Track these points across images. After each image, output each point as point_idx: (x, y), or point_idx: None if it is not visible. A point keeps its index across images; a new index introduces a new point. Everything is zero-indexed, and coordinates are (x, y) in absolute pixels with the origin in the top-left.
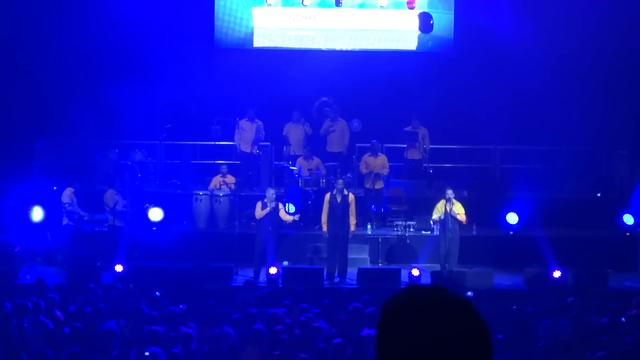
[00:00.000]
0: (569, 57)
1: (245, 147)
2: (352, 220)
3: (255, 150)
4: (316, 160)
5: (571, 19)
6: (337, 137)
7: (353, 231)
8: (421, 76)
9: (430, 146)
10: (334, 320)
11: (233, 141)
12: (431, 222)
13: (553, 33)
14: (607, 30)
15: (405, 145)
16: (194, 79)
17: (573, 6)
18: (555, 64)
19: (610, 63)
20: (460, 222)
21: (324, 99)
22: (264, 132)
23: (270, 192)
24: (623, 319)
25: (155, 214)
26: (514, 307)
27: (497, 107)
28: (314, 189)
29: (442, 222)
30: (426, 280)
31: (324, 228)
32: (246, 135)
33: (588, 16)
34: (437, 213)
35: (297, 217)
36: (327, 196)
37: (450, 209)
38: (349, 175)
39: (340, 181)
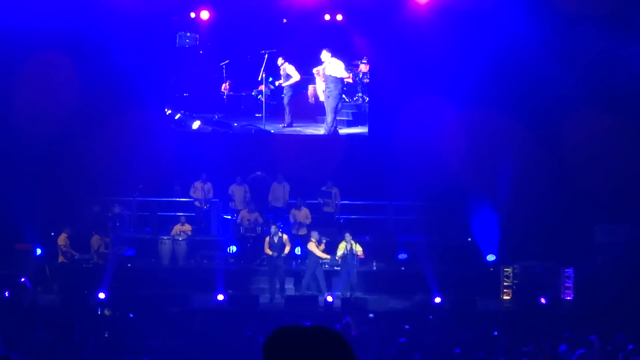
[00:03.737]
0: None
1: (199, 203)
2: (286, 250)
3: (205, 206)
4: (255, 214)
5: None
6: (281, 195)
7: (287, 252)
8: (337, 154)
9: (341, 202)
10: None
11: (190, 198)
12: (337, 258)
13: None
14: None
15: (321, 201)
16: (162, 153)
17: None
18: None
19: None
20: (359, 258)
21: (258, 173)
22: (212, 191)
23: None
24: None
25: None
26: (406, 326)
27: (394, 173)
28: (252, 235)
29: (344, 259)
30: (338, 304)
31: (269, 252)
32: (200, 193)
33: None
34: (340, 251)
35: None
36: (267, 238)
37: (351, 248)
38: (279, 223)
39: (273, 227)
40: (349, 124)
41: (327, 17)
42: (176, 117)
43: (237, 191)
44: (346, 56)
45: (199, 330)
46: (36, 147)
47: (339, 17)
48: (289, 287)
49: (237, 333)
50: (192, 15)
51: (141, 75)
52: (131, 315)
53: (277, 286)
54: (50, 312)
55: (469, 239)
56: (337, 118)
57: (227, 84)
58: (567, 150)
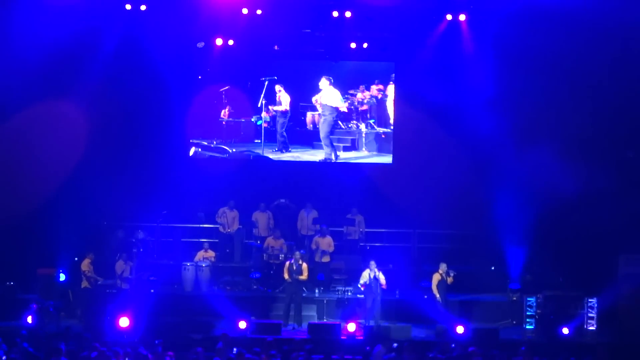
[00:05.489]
0: (470, 170)
1: (223, 229)
2: (303, 276)
3: (228, 230)
4: (280, 241)
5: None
6: (308, 224)
7: (304, 279)
8: (361, 182)
9: (366, 230)
10: None
11: (215, 224)
12: (359, 286)
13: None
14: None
15: (346, 229)
16: (185, 180)
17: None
18: (460, 172)
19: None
20: (381, 287)
21: (282, 200)
22: (237, 220)
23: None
24: None
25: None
26: (431, 354)
27: (417, 200)
28: (276, 262)
29: (367, 287)
30: (361, 332)
31: (287, 278)
32: (227, 220)
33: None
34: (363, 279)
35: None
36: (287, 264)
37: (375, 276)
38: (302, 251)
39: (297, 253)
40: (345, 149)
41: (352, 45)
42: (190, 154)
43: (261, 218)
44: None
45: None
46: (60, 171)
47: (365, 45)
48: (311, 315)
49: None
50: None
51: (164, 99)
52: (157, 341)
53: (292, 313)
54: (73, 338)
55: (492, 268)
56: (335, 144)
57: (227, 110)
58: (592, 179)
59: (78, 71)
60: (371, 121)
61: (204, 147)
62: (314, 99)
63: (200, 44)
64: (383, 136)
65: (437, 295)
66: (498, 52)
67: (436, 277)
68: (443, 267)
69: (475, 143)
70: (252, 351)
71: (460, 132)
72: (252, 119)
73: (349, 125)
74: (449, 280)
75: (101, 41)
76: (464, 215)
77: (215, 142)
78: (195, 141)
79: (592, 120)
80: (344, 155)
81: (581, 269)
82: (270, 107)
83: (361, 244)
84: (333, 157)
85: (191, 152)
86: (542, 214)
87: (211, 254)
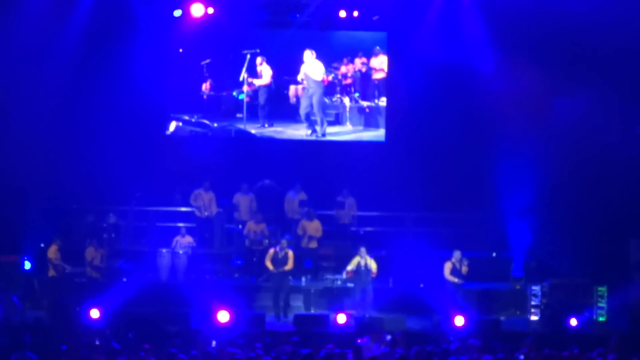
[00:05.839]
0: (469, 146)
1: (199, 212)
2: (288, 266)
3: (205, 214)
4: (262, 225)
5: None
6: (295, 207)
7: (289, 269)
8: (353, 161)
9: (357, 213)
10: (273, 356)
11: (192, 207)
12: (344, 273)
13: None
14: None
15: (336, 212)
16: (161, 159)
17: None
18: (459, 150)
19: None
20: (372, 276)
21: (267, 181)
22: (214, 202)
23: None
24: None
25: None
26: (427, 347)
27: (411, 181)
28: (259, 248)
29: (357, 275)
30: (351, 324)
31: (270, 267)
32: (203, 203)
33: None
34: (351, 266)
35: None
36: (270, 252)
37: (365, 264)
38: (288, 236)
39: (284, 241)
40: (329, 123)
41: (342, 13)
42: (171, 129)
43: (243, 200)
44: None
45: (200, 351)
46: (25, 150)
47: (355, 14)
48: (298, 305)
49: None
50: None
51: (141, 72)
52: (130, 334)
53: (282, 304)
54: (39, 330)
55: (494, 254)
56: (319, 119)
57: (208, 83)
58: (601, 160)
59: (47, 44)
60: (355, 95)
61: (185, 122)
62: (299, 77)
63: (178, 12)
64: (367, 110)
65: (456, 280)
66: (498, 18)
67: (448, 266)
68: (457, 254)
69: (476, 118)
70: (234, 344)
71: (459, 106)
72: (234, 93)
73: (333, 100)
74: (464, 269)
75: (73, 12)
76: (463, 196)
77: (196, 117)
78: (176, 115)
79: (602, 92)
80: (328, 130)
81: (590, 254)
82: (252, 81)
83: (352, 228)
84: (319, 132)
85: (172, 128)
86: (547, 195)
87: (189, 239)
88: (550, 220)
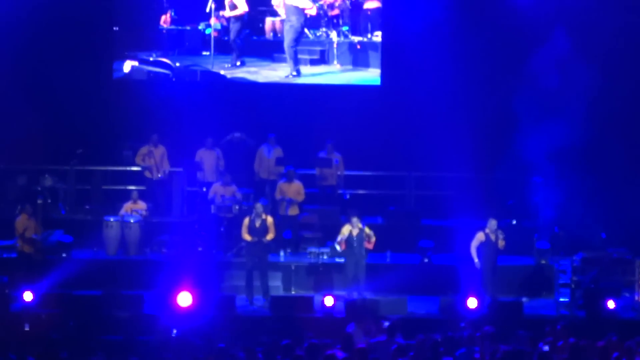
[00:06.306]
0: (486, 90)
1: (150, 173)
2: (270, 235)
3: (158, 175)
4: (232, 188)
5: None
6: (270, 165)
7: (271, 238)
8: (341, 107)
9: (345, 172)
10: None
11: (141, 168)
12: (335, 245)
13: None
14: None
15: (319, 171)
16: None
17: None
18: (472, 96)
19: (522, 95)
20: (366, 248)
21: (237, 134)
22: (166, 158)
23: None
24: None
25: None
26: (434, 336)
27: (412, 134)
28: (228, 215)
29: (348, 248)
30: (340, 308)
31: (248, 238)
32: (154, 161)
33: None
34: (341, 236)
35: None
36: (246, 220)
37: (358, 234)
38: (263, 201)
39: (258, 205)
40: (313, 62)
41: None
42: (126, 70)
43: (207, 157)
44: None
45: (156, 342)
46: None
47: None
48: (276, 285)
49: (207, 345)
50: None
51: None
52: (71, 323)
53: (258, 283)
54: None
55: (513, 222)
56: (299, 56)
57: (168, 15)
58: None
59: None
60: (344, 28)
61: (141, 61)
62: (274, 1)
63: None
64: (359, 47)
65: (476, 260)
66: None
67: (479, 237)
68: (492, 224)
69: (492, 55)
70: (198, 333)
71: (472, 41)
72: (200, 27)
73: (317, 34)
74: (501, 243)
75: None
76: (476, 153)
77: (154, 56)
78: (130, 54)
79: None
80: (311, 71)
81: (630, 222)
82: (220, 13)
83: (340, 191)
84: (291, 70)
85: (126, 68)
86: (577, 148)
87: (142, 206)
88: (582, 178)
